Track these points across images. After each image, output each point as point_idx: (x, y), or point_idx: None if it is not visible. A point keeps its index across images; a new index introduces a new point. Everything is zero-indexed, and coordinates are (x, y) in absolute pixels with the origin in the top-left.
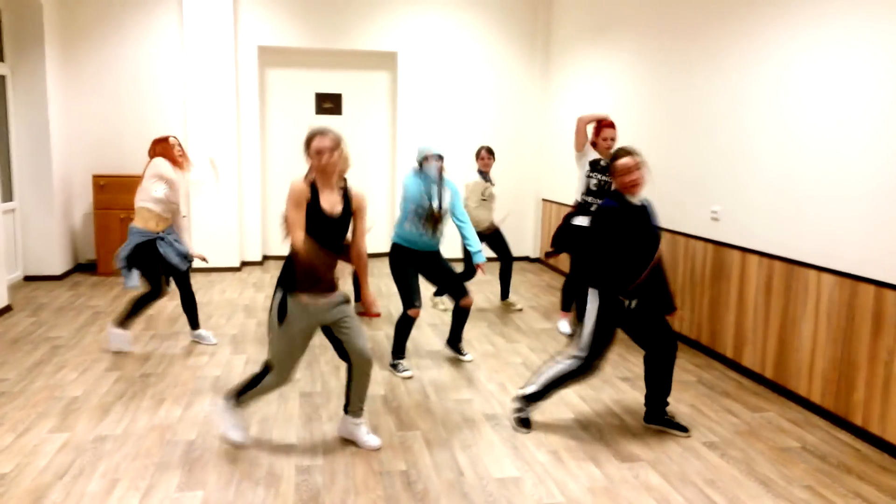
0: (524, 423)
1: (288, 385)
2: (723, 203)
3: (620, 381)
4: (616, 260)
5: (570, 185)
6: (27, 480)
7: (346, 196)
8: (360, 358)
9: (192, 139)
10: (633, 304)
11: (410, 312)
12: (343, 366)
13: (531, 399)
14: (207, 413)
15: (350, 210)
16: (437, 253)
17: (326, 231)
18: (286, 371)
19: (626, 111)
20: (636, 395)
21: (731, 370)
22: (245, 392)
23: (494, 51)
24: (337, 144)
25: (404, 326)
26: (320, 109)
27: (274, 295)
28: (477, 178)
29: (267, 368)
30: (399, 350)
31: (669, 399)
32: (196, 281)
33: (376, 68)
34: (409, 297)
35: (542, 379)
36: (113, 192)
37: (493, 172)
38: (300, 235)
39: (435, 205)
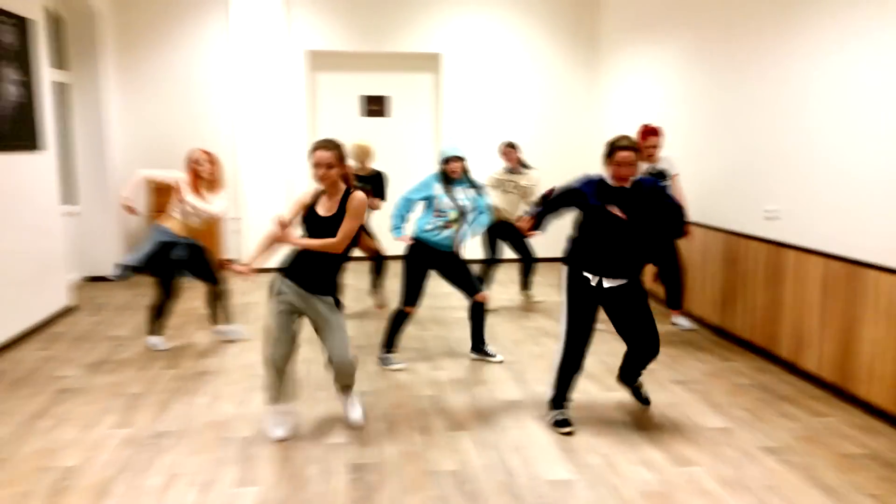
0: (562, 424)
1: (276, 362)
2: (779, 202)
3: (673, 384)
4: (581, 235)
5: None
6: (91, 474)
7: (345, 201)
8: (337, 364)
9: (242, 143)
10: (598, 281)
11: (407, 309)
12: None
13: (555, 403)
14: (261, 410)
15: (343, 212)
16: (450, 256)
17: (315, 228)
18: (269, 344)
19: (676, 109)
20: (690, 399)
21: (788, 373)
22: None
23: (540, 51)
24: (336, 161)
25: (398, 321)
26: (367, 112)
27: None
28: (498, 169)
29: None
30: (390, 343)
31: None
32: (249, 282)
33: (421, 70)
34: (412, 295)
35: (551, 381)
36: (168, 196)
37: (541, 168)
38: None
39: (460, 204)
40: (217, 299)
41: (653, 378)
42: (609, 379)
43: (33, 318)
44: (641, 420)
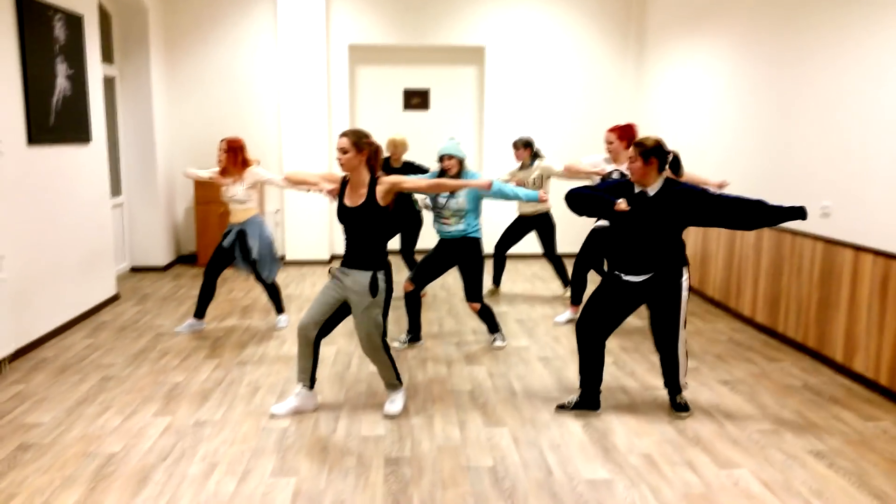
0: (562, 407)
1: (307, 335)
2: (834, 198)
3: (719, 384)
4: (613, 238)
5: None
6: (133, 461)
7: (373, 189)
8: (363, 346)
9: (287, 137)
10: (631, 279)
11: (404, 284)
12: (429, 359)
13: (579, 384)
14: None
15: (374, 200)
16: (463, 244)
17: (347, 221)
18: (306, 313)
19: (727, 103)
20: (736, 399)
21: (840, 375)
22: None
23: (585, 43)
24: (351, 147)
25: (407, 301)
26: (408, 105)
27: None
28: (513, 168)
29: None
30: (412, 328)
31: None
32: (288, 274)
33: (464, 63)
34: (419, 274)
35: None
36: (212, 188)
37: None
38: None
39: (441, 201)
40: (266, 289)
41: (698, 378)
42: (650, 378)
43: (82, 307)
44: (685, 420)
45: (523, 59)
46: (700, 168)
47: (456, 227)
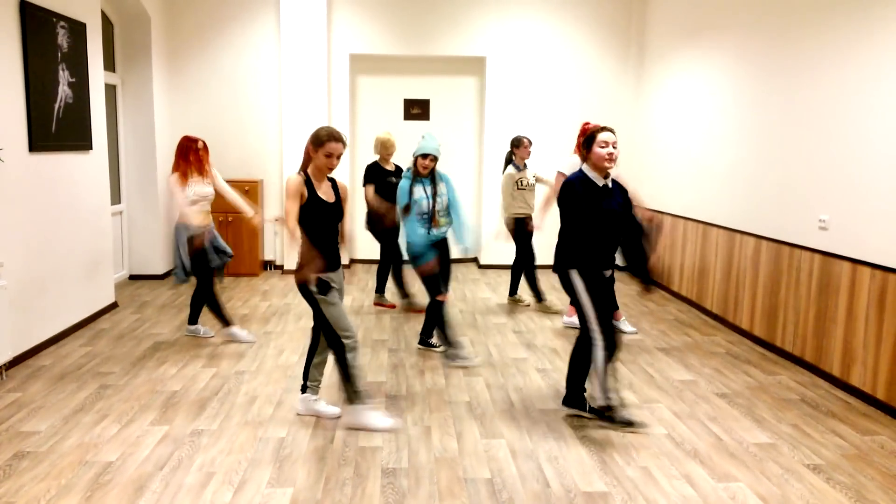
0: (629, 423)
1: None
2: (832, 211)
3: (717, 397)
4: (586, 236)
5: (663, 190)
6: (130, 469)
7: (335, 187)
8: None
9: (287, 144)
10: (608, 273)
11: (439, 297)
12: (427, 370)
13: (607, 409)
14: (298, 412)
15: (340, 198)
16: (446, 242)
17: (325, 215)
18: (349, 329)
19: (726, 115)
20: (734, 413)
21: (837, 389)
22: (349, 382)
23: (586, 55)
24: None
25: (436, 312)
26: (408, 115)
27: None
28: (511, 169)
29: (340, 348)
30: (428, 332)
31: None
32: (287, 282)
33: (465, 73)
34: (435, 286)
35: (597, 387)
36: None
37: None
38: (293, 223)
39: (430, 203)
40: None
41: (696, 391)
42: (648, 390)
43: (80, 315)
44: (682, 433)
45: (524, 69)
46: (699, 179)
47: (445, 227)
